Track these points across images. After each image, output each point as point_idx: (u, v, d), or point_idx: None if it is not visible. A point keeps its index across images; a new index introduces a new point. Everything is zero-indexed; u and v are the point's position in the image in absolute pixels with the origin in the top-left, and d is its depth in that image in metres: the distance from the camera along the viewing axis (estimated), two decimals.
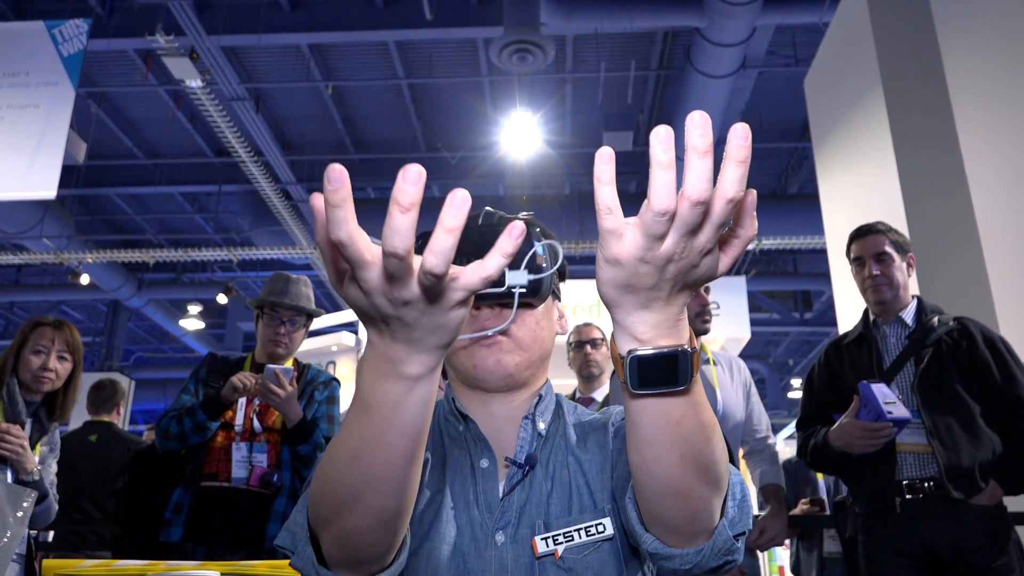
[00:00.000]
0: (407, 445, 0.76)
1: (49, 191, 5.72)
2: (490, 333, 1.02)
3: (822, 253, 9.48)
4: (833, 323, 11.07)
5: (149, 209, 10.74)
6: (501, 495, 1.02)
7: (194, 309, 12.04)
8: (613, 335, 0.73)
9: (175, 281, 11.70)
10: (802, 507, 3.43)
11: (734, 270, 10.56)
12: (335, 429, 2.65)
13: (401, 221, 0.55)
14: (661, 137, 0.57)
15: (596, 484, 1.03)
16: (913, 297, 2.44)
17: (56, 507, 2.57)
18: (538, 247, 0.99)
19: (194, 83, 6.60)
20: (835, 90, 6.38)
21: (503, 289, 0.93)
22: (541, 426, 1.08)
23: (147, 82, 7.65)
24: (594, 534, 0.98)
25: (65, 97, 5.93)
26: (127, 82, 7.92)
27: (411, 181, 0.55)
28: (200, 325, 12.45)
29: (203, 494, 2.47)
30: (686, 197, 0.59)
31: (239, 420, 2.56)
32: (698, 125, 0.56)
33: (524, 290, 0.94)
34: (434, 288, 0.61)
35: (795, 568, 3.43)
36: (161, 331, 14.09)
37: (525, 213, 1.11)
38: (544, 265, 1.03)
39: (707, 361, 2.62)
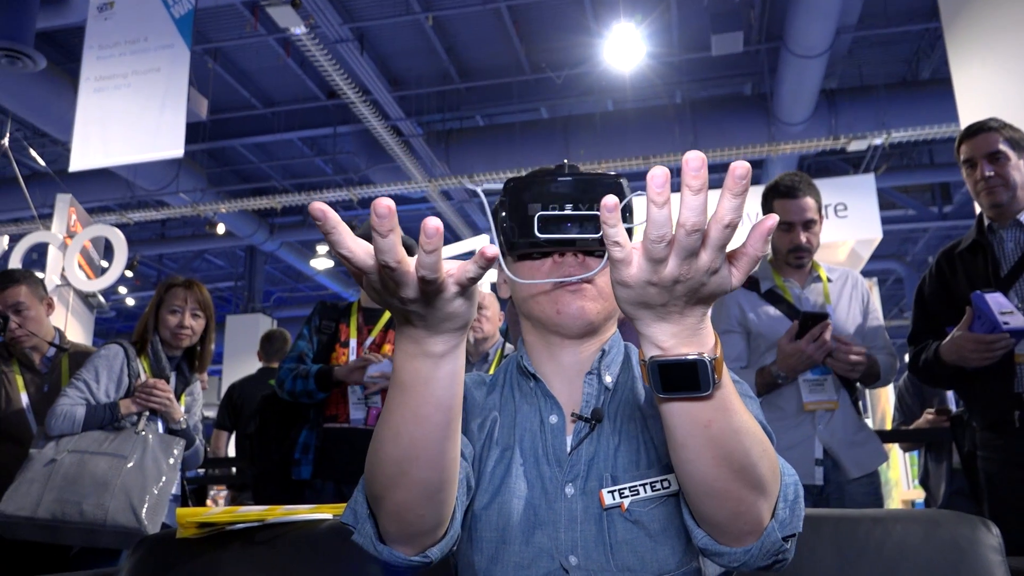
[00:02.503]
0: (441, 418, 0.83)
1: (177, 149, 6.05)
2: (576, 279, 1.06)
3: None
4: (974, 215, 10.36)
5: (272, 156, 11.19)
6: (569, 449, 1.06)
7: (323, 249, 12.59)
8: (640, 341, 0.79)
9: (303, 223, 12.23)
10: (927, 417, 3.32)
11: (861, 168, 10.01)
12: None
13: (383, 242, 0.67)
14: (657, 181, 0.64)
15: (660, 439, 1.05)
16: None
17: (203, 450, 2.82)
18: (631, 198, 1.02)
19: (298, 30, 6.75)
20: None
21: (599, 235, 0.98)
22: (608, 379, 1.11)
23: (256, 32, 7.88)
24: (659, 489, 1.02)
25: (181, 57, 6.19)
26: (238, 35, 8.19)
27: (382, 215, 0.65)
28: (330, 264, 13.02)
29: (326, 435, 2.65)
30: (681, 225, 0.66)
31: None
32: (692, 168, 0.63)
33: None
34: (430, 289, 0.71)
35: (923, 480, 3.35)
36: (295, 271, 14.84)
37: (608, 171, 1.13)
38: (629, 216, 1.05)
39: (819, 278, 2.55)
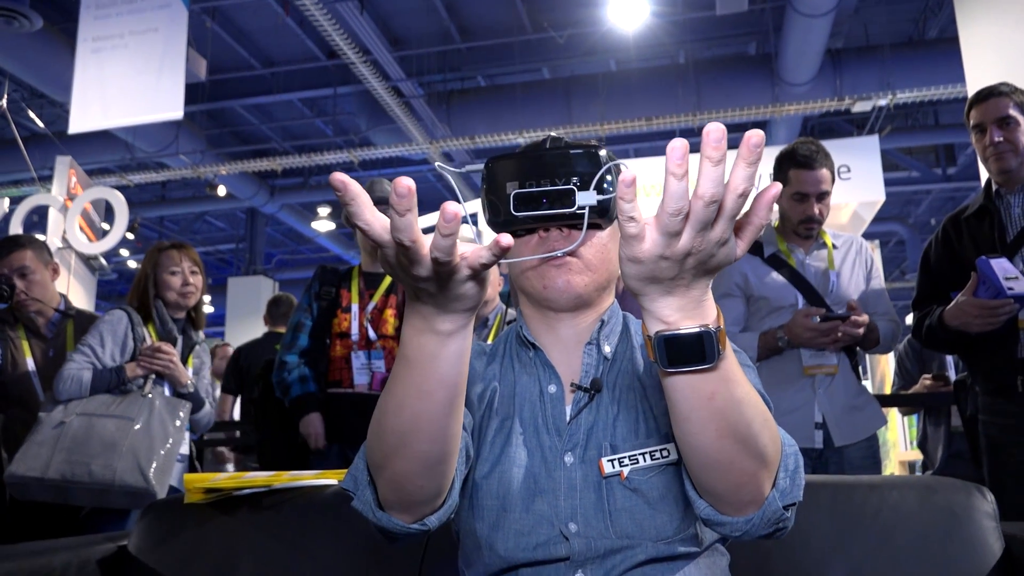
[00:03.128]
0: (445, 395, 0.84)
1: (176, 110, 6.01)
2: (559, 254, 1.06)
3: (965, 103, 8.74)
4: (978, 178, 10.29)
5: (272, 118, 11.10)
6: (568, 419, 1.07)
7: (323, 211, 12.56)
8: (643, 318, 0.79)
9: (303, 185, 12.18)
10: (924, 383, 3.34)
11: (865, 129, 9.93)
12: None
13: (401, 221, 0.67)
14: (677, 153, 0.64)
15: (660, 409, 1.06)
16: None
17: (213, 414, 2.85)
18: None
19: None
20: None
21: (572, 210, 0.97)
22: (607, 349, 1.12)
23: None
24: (659, 458, 1.03)
25: (179, 17, 6.12)
26: None
27: (401, 195, 0.65)
28: (331, 226, 12.99)
29: (330, 400, 2.67)
30: (699, 197, 0.65)
31: (354, 330, 2.72)
32: (714, 138, 0.62)
33: (593, 210, 0.99)
34: (443, 271, 0.71)
35: (922, 443, 3.38)
36: (296, 233, 14.81)
37: (594, 141, 1.12)
38: (610, 187, 1.04)
39: (824, 244, 2.54)
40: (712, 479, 0.86)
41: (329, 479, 1.62)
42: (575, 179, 1.01)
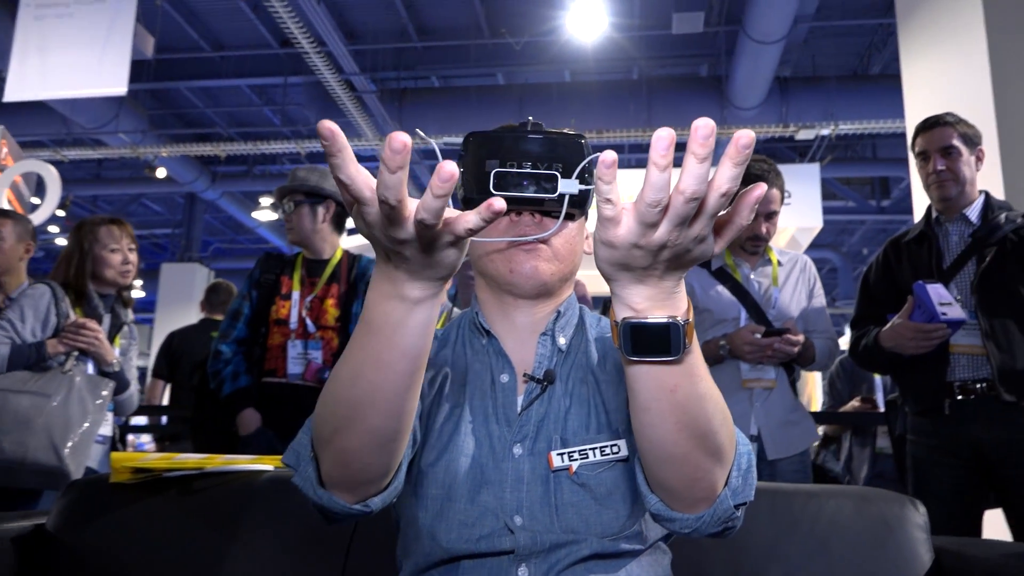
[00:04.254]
0: (406, 367, 0.80)
1: (120, 86, 5.82)
2: (532, 239, 1.06)
3: (902, 138, 9.03)
4: (910, 211, 10.65)
5: (219, 102, 10.86)
6: (520, 409, 1.05)
7: (266, 201, 12.31)
8: (612, 302, 0.77)
9: (247, 174, 11.93)
10: (854, 405, 3.42)
11: (807, 157, 10.20)
12: None
13: (391, 178, 0.64)
14: (662, 143, 0.62)
15: (612, 404, 1.06)
16: (980, 192, 2.33)
17: (137, 396, 2.75)
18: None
19: None
20: None
21: (554, 196, 0.96)
22: (562, 341, 1.11)
23: None
24: (609, 454, 1.02)
25: None
26: None
27: (396, 151, 0.62)
28: (273, 216, 12.74)
29: (263, 389, 2.60)
30: (680, 192, 0.64)
31: (293, 318, 2.66)
32: (702, 135, 0.61)
33: (573, 200, 0.97)
34: (426, 235, 0.69)
35: (848, 462, 3.46)
36: (236, 223, 14.49)
37: (569, 129, 1.11)
38: (591, 179, 1.04)
39: (769, 261, 2.58)
40: (667, 473, 0.85)
41: (264, 464, 1.57)
42: (558, 165, 1.00)
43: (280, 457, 1.64)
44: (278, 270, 2.71)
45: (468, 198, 1.08)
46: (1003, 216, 2.24)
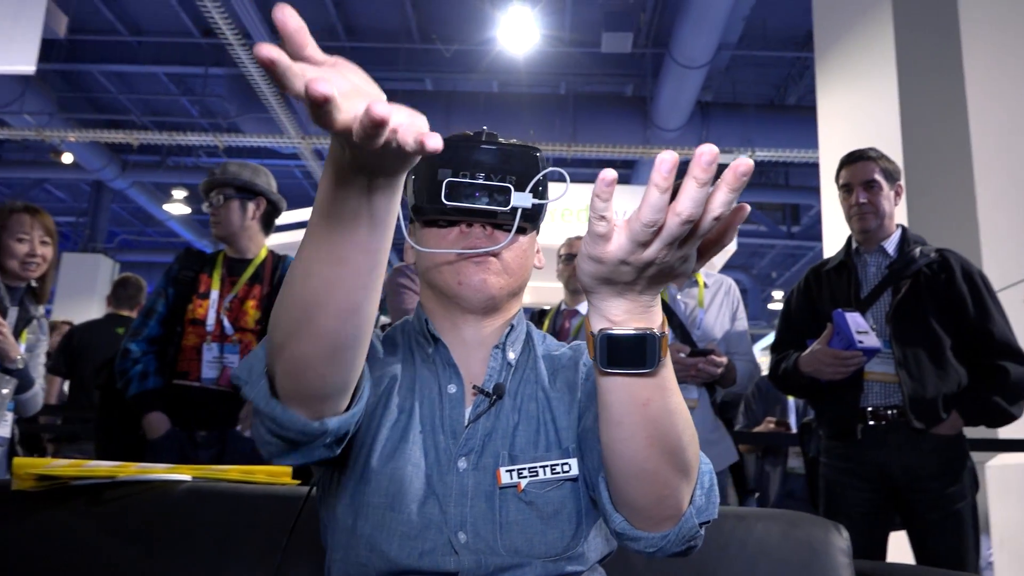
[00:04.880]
0: (362, 263, 0.76)
1: (28, 65, 5.54)
2: (483, 252, 1.04)
3: (814, 167, 9.40)
4: (819, 238, 11.07)
5: (133, 89, 10.45)
6: (467, 422, 1.03)
7: (179, 194, 11.90)
8: (588, 314, 0.76)
9: (160, 164, 11.51)
10: (767, 425, 3.53)
11: None
12: None
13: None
14: (666, 165, 0.61)
15: (563, 423, 1.04)
16: (898, 226, 2.43)
17: (41, 397, 2.60)
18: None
19: None
20: (843, 2, 6.19)
21: (507, 209, 0.95)
22: (511, 356, 1.09)
23: None
24: (559, 472, 1.01)
25: None
26: None
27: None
28: (186, 210, 12.33)
29: (174, 391, 2.49)
30: (676, 213, 0.63)
31: (210, 319, 2.55)
32: (705, 160, 0.61)
33: (525, 213, 0.96)
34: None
35: (758, 480, 3.55)
36: (145, 214, 13.95)
37: (526, 142, 1.10)
38: (544, 193, 1.03)
39: (696, 283, 2.63)
40: (635, 490, 0.84)
41: (182, 474, 1.50)
42: (511, 178, 0.99)
43: (203, 467, 1.57)
44: (197, 267, 2.60)
45: (419, 207, 1.07)
46: (918, 250, 2.35)
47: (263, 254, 2.67)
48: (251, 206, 2.63)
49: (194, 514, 1.42)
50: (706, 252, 0.72)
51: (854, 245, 2.47)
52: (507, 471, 1.00)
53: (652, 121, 9.29)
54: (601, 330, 0.74)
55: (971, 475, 2.27)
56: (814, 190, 10.80)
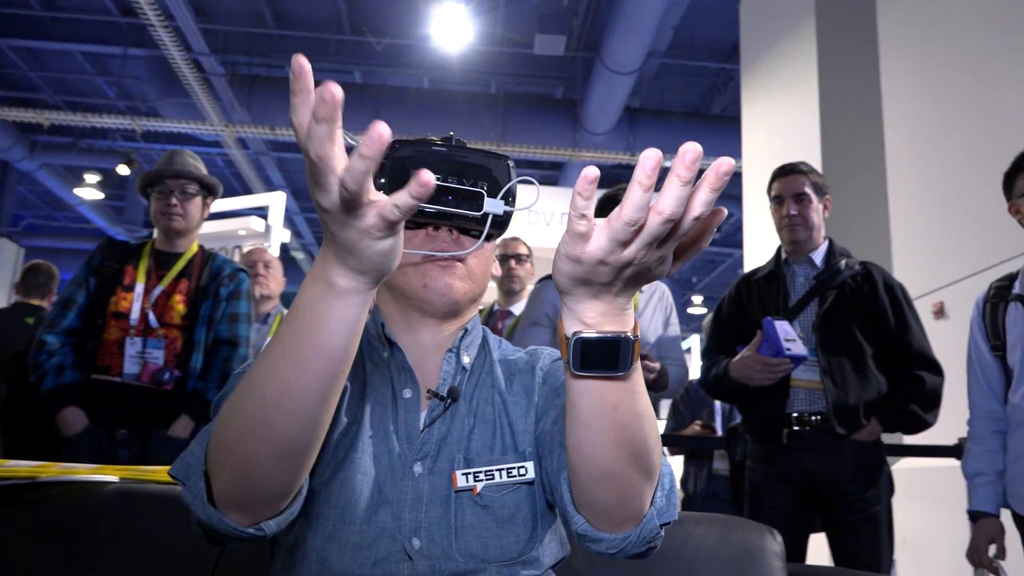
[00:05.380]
0: (322, 368, 0.76)
1: None
2: (451, 255, 1.03)
3: (736, 176, 9.66)
4: (739, 245, 11.40)
5: (45, 66, 9.97)
6: (422, 426, 1.02)
7: (92, 178, 11.40)
8: (561, 317, 0.75)
9: (72, 147, 11.01)
10: (695, 428, 3.61)
11: None
12: (239, 328, 2.58)
13: (316, 130, 0.60)
14: (650, 163, 0.60)
15: (519, 427, 1.04)
16: (825, 239, 2.51)
17: None
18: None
19: None
20: (769, 16, 6.38)
21: (478, 214, 0.94)
22: (466, 360, 1.08)
23: None
24: (515, 476, 1.00)
25: None
26: None
27: (325, 99, 0.59)
28: (98, 196, 11.83)
29: (93, 386, 2.39)
30: (658, 212, 0.62)
31: (134, 312, 2.45)
32: (689, 159, 0.59)
33: (495, 220, 0.96)
34: (348, 199, 0.64)
35: (684, 481, 3.63)
36: (55, 198, 13.32)
37: (487, 147, 1.09)
38: (512, 201, 1.02)
39: None
40: (599, 492, 0.84)
41: (108, 475, 1.44)
42: (483, 184, 0.98)
43: (131, 467, 1.51)
44: (122, 258, 2.50)
45: None
46: (843, 262, 2.43)
47: (194, 248, 2.59)
48: (209, 202, 2.58)
49: (123, 518, 1.37)
50: (683, 254, 0.71)
51: (783, 255, 2.54)
52: (463, 474, 0.99)
53: (581, 124, 9.39)
54: (575, 333, 0.72)
55: (887, 479, 2.36)
56: (735, 198, 11.11)
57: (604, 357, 0.73)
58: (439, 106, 9.46)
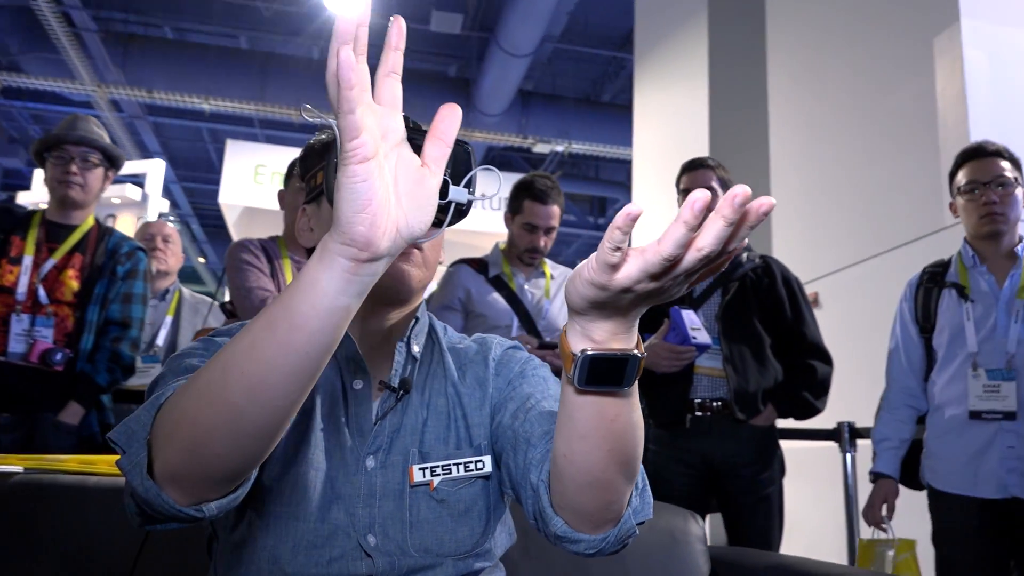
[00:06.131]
0: (301, 342, 0.70)
1: None
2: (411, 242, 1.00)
3: (624, 163, 9.90)
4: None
5: None
6: (374, 419, 1.00)
7: None
8: (565, 332, 0.74)
9: None
10: None
11: (540, 169, 10.78)
12: (133, 310, 2.44)
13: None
14: (700, 204, 0.60)
15: (474, 419, 1.04)
16: None
17: None
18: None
19: None
20: (663, 7, 6.54)
21: (444, 201, 0.92)
22: (416, 349, 1.07)
23: None
24: (473, 470, 1.01)
25: None
26: None
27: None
28: None
29: None
30: (698, 249, 0.62)
31: (21, 287, 2.29)
32: (738, 202, 0.59)
33: (458, 208, 0.94)
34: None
35: None
36: None
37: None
38: (473, 189, 1.01)
39: (543, 274, 2.69)
40: (586, 497, 0.85)
41: (12, 465, 1.34)
42: (447, 170, 0.96)
43: (33, 457, 1.41)
44: (7, 227, 2.31)
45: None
46: (745, 255, 2.54)
47: (89, 222, 2.43)
48: (111, 175, 2.41)
49: (31, 512, 1.28)
50: (702, 275, 0.71)
51: None
52: (420, 469, 0.99)
53: (474, 104, 9.37)
54: (584, 351, 0.72)
55: (780, 462, 2.50)
56: (622, 185, 11.40)
57: (610, 374, 0.74)
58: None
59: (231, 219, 9.21)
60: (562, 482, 0.85)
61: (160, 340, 3.15)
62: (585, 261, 0.68)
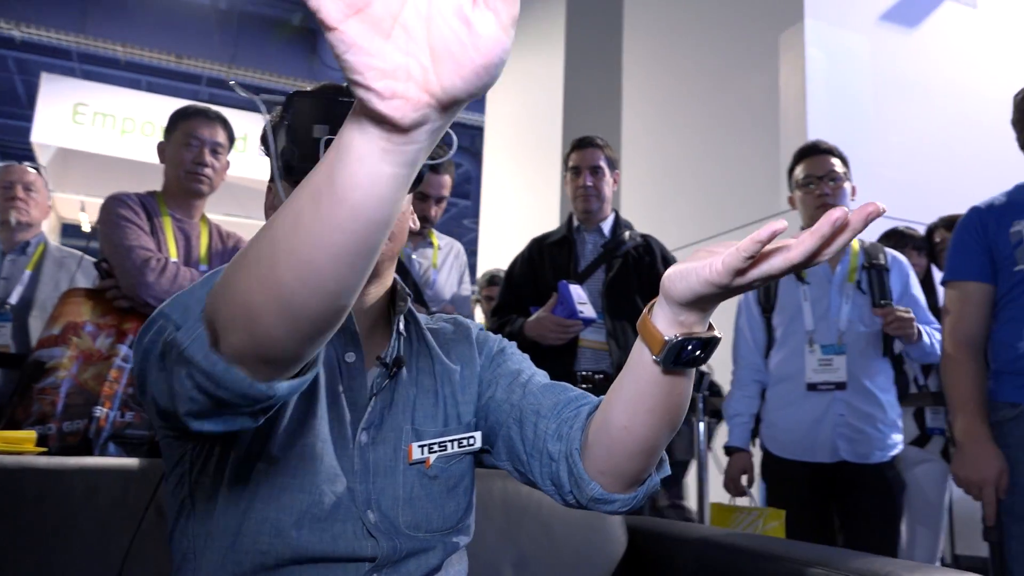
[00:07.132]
0: (352, 231, 0.58)
1: None
2: None
3: (476, 130, 9.91)
4: (467, 196, 11.75)
5: None
6: (368, 393, 1.00)
7: None
8: (651, 318, 0.79)
9: None
10: None
11: None
12: None
13: None
14: (839, 222, 0.64)
15: (463, 397, 1.06)
16: (613, 210, 2.71)
17: None
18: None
19: None
20: None
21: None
22: (401, 325, 1.07)
23: None
24: (465, 446, 1.03)
25: None
26: None
27: None
28: None
29: None
30: (789, 260, 0.67)
31: None
32: (833, 221, 0.63)
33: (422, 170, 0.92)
34: None
35: None
36: None
37: None
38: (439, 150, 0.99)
39: (431, 244, 2.67)
40: (635, 463, 0.89)
41: None
42: None
43: None
44: None
45: (291, 165, 0.97)
46: (627, 233, 2.64)
47: None
48: None
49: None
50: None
51: (575, 223, 2.70)
52: (419, 446, 0.99)
53: (319, 56, 9.05)
54: (676, 335, 0.77)
55: None
56: (468, 151, 11.40)
57: (696, 355, 0.79)
58: (159, 15, 8.57)
59: (44, 159, 8.39)
60: (611, 451, 0.89)
61: (13, 298, 2.82)
62: (695, 261, 0.72)
